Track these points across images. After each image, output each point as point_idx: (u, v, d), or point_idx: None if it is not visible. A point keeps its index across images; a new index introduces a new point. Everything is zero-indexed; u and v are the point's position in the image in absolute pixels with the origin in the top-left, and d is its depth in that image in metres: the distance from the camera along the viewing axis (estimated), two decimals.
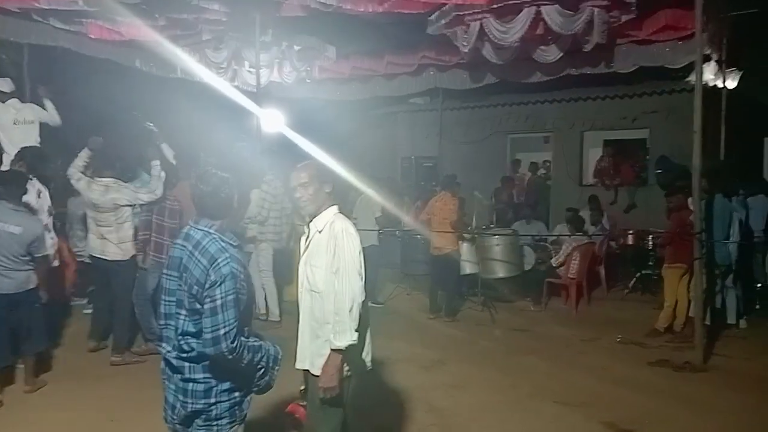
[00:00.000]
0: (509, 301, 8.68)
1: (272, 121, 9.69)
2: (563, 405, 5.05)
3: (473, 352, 6.62)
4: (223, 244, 2.59)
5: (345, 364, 3.02)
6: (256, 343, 2.68)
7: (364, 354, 3.13)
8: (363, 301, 2.98)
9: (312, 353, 3.05)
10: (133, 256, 6.10)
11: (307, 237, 3.14)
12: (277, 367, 2.77)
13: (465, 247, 8.43)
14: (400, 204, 9.40)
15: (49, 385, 5.36)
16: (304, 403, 3.05)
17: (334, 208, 3.12)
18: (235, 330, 2.50)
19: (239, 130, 9.02)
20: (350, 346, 2.92)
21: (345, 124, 12.75)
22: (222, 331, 2.47)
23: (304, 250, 3.15)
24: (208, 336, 2.48)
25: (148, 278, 6.08)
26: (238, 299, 2.53)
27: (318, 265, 3.02)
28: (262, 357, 2.69)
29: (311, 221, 3.12)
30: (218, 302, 2.48)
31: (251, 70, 9.18)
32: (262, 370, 2.70)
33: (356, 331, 2.92)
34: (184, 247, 2.62)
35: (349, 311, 2.90)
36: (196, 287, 2.52)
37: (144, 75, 9.59)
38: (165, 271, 2.70)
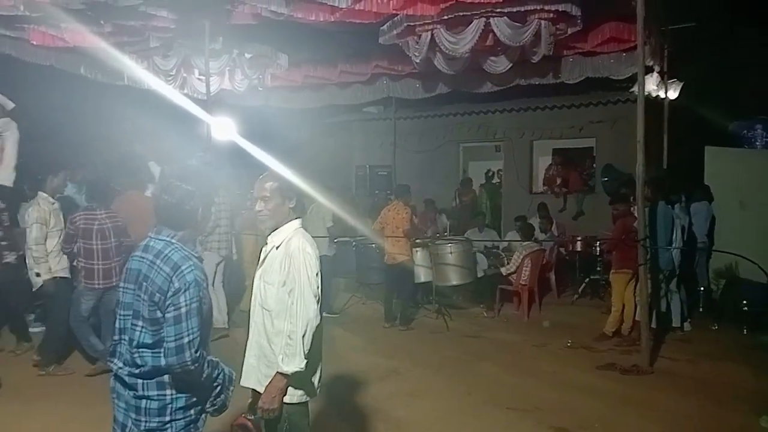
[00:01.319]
0: (463, 308, 8.78)
1: (223, 129, 9.57)
2: (516, 411, 5.12)
3: (428, 359, 6.64)
4: (186, 253, 2.53)
5: (300, 390, 2.93)
6: (213, 359, 2.62)
7: (315, 377, 3.01)
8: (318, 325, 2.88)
9: (259, 372, 2.96)
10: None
11: (266, 250, 3.04)
12: (231, 387, 2.70)
13: (419, 256, 8.48)
14: (354, 213, 9.39)
15: None
16: (251, 416, 2.97)
17: (296, 223, 3.01)
18: (198, 339, 2.45)
19: (192, 139, 8.88)
20: (301, 370, 2.83)
21: (298, 132, 12.70)
22: (186, 340, 2.41)
23: (260, 264, 3.06)
24: (172, 345, 2.41)
25: (80, 301, 5.91)
26: (201, 308, 2.47)
27: (271, 282, 2.93)
28: (219, 374, 2.63)
29: (270, 234, 3.03)
30: (183, 310, 2.42)
31: (201, 77, 9.05)
32: (219, 387, 2.63)
33: (306, 357, 2.82)
34: (143, 258, 2.54)
35: (302, 336, 2.80)
36: (158, 295, 2.44)
37: (89, 82, 9.35)
38: (121, 284, 2.63)
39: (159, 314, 2.45)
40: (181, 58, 8.81)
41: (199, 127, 8.28)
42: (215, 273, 7.29)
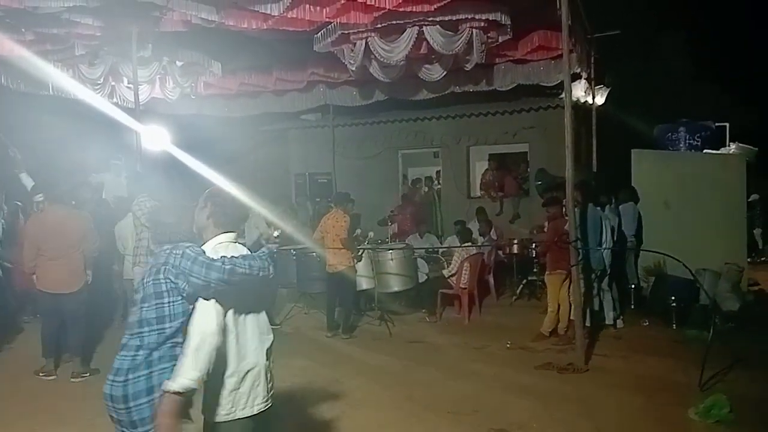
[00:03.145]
0: (405, 314, 8.80)
1: (155, 138, 9.32)
2: (457, 415, 5.16)
3: (371, 367, 6.63)
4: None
5: (227, 407, 2.76)
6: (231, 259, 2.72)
7: (250, 395, 2.82)
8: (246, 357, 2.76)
9: None
10: None
11: None
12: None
13: (360, 264, 8.46)
14: (294, 222, 9.29)
15: None
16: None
17: (220, 238, 2.89)
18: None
19: (117, 148, 8.63)
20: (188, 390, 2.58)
21: (235, 140, 12.50)
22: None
23: None
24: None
25: None
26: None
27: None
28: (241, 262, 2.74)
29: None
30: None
31: (130, 86, 8.80)
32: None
33: (199, 372, 2.57)
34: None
35: (195, 350, 2.58)
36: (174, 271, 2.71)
37: (11, 92, 8.93)
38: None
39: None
40: (108, 66, 8.54)
41: (130, 136, 8.04)
42: None
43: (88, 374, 6.27)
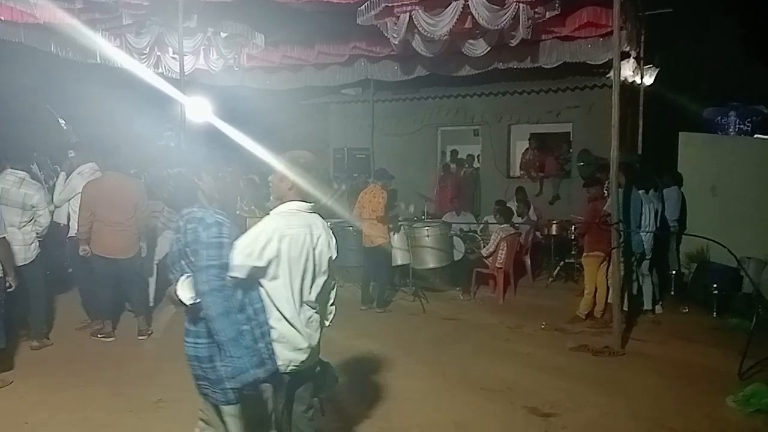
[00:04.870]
0: (440, 291, 8.82)
1: (198, 109, 9.44)
2: (489, 391, 5.18)
3: (404, 341, 6.68)
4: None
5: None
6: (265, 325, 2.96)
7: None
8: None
9: None
10: None
11: None
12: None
13: (396, 238, 8.49)
14: (332, 195, 9.35)
15: None
16: None
17: (291, 204, 3.10)
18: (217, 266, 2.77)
19: (164, 118, 8.75)
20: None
21: (275, 113, 12.58)
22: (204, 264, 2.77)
23: None
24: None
25: None
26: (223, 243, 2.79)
27: None
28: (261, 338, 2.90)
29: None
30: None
31: (175, 56, 8.89)
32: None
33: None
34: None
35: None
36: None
37: (60, 60, 9.14)
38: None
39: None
40: (154, 36, 8.63)
41: (174, 107, 8.15)
42: None
43: (151, 332, 6.46)
